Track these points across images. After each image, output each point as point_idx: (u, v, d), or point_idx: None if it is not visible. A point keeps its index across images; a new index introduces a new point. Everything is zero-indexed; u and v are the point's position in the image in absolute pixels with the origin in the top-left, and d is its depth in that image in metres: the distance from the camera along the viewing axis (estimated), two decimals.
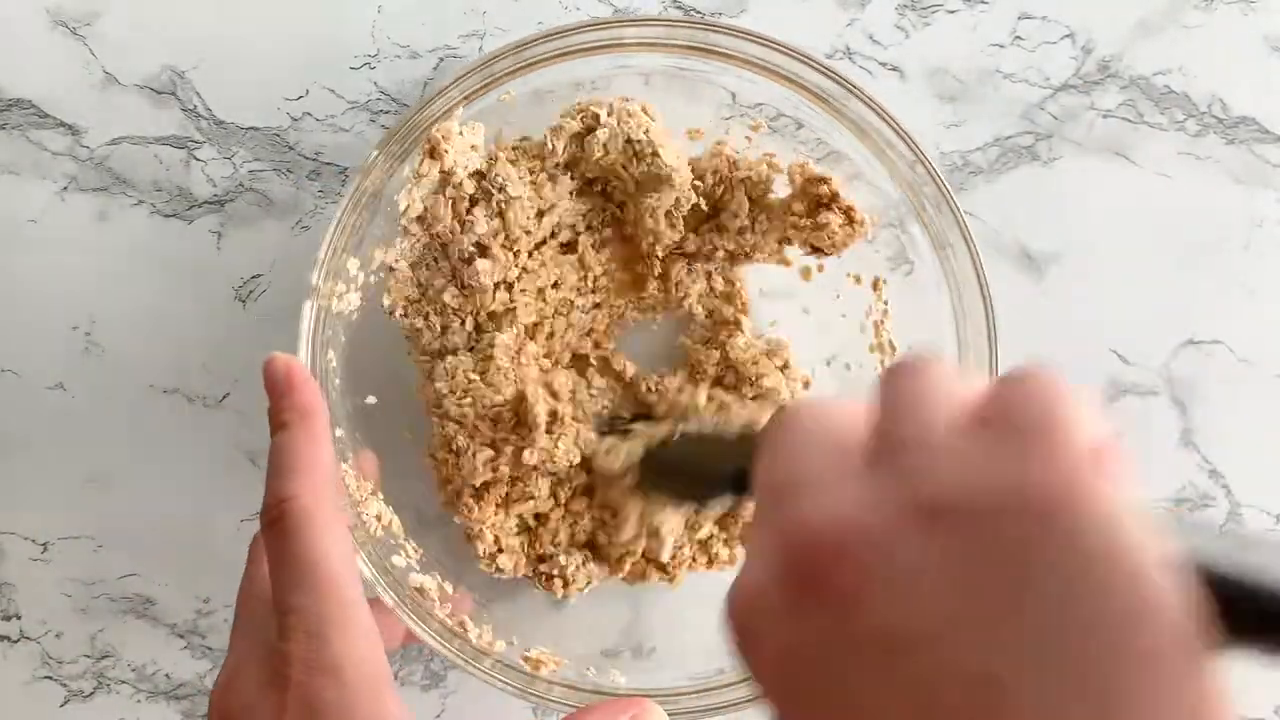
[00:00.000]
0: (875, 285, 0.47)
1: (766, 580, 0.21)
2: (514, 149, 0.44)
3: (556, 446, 0.43)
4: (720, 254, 0.47)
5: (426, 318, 0.44)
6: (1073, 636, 0.18)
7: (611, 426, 0.46)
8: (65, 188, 0.49)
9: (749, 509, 0.46)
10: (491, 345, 0.44)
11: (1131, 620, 0.18)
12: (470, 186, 0.43)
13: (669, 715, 0.42)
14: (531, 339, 0.45)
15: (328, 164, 0.49)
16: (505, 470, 0.44)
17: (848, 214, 0.44)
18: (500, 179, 0.43)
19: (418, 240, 0.44)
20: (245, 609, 0.36)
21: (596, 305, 0.47)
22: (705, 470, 0.38)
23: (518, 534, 0.46)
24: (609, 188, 0.46)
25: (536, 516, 0.46)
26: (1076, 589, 0.18)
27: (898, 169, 0.44)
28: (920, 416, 0.21)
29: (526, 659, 0.44)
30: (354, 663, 0.32)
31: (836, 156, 0.45)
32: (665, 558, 0.46)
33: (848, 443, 0.22)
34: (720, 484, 0.36)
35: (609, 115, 0.43)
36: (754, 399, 0.46)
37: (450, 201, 0.43)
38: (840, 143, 0.45)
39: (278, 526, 0.33)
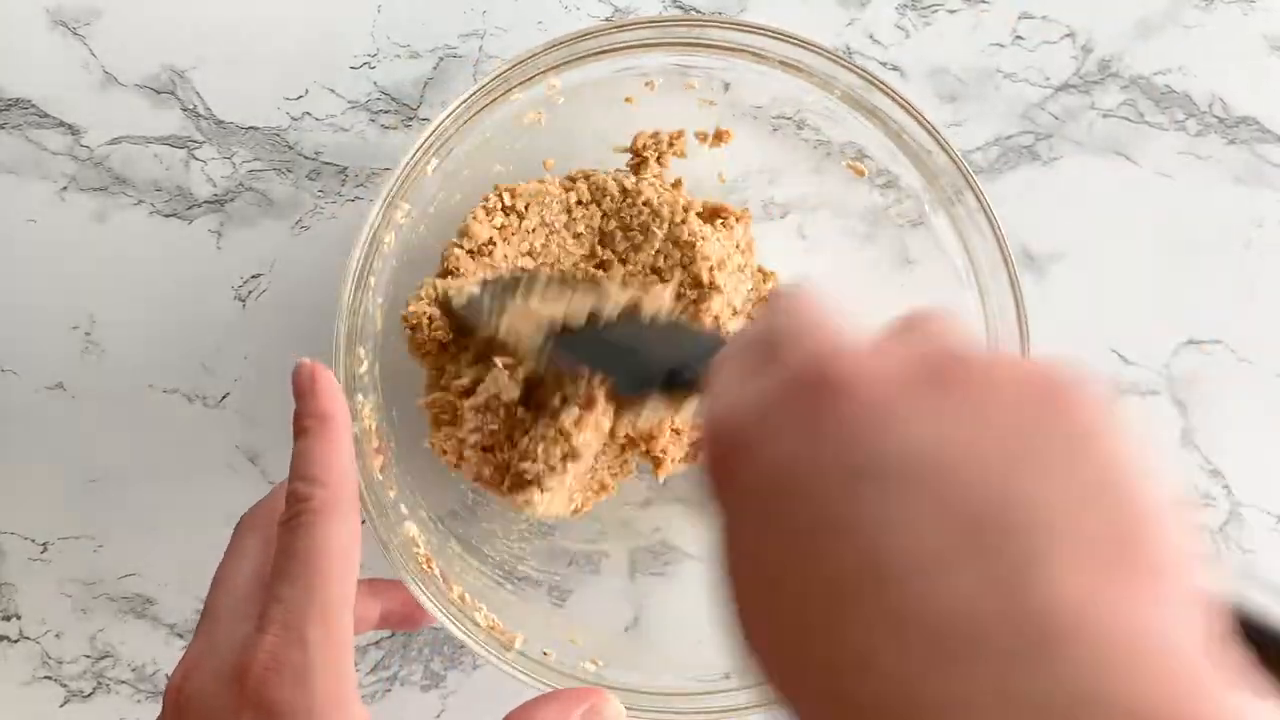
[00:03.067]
0: None
1: (769, 402, 0.22)
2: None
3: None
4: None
5: None
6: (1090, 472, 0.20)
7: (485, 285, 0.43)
8: (65, 188, 0.49)
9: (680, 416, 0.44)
10: None
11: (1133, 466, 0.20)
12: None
13: (670, 717, 0.42)
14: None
15: (327, 164, 0.49)
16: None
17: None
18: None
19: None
20: (215, 600, 0.36)
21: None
22: (633, 360, 0.37)
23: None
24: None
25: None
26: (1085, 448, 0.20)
27: (922, 161, 0.44)
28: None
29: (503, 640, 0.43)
30: (322, 667, 0.31)
31: (848, 150, 0.45)
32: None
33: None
34: (651, 379, 0.35)
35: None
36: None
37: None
38: (854, 132, 0.44)
39: (289, 524, 0.33)
